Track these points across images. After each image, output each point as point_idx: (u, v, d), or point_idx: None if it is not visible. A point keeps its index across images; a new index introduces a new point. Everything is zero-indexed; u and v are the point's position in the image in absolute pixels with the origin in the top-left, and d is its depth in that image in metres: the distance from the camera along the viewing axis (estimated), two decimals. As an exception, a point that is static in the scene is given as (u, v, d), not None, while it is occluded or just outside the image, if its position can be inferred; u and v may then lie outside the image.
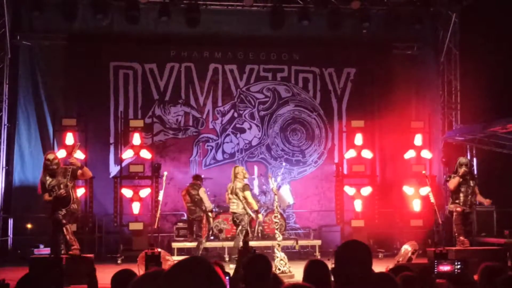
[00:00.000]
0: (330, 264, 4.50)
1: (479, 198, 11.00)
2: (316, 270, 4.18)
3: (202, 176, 12.94)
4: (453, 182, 10.71)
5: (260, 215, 11.02)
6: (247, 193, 10.94)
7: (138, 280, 2.41)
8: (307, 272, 4.19)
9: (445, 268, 5.92)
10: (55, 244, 9.60)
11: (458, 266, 5.93)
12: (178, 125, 14.61)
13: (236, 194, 10.93)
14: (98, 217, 13.30)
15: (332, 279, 3.35)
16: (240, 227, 10.99)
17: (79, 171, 9.74)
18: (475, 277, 4.89)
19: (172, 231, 13.34)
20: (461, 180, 10.71)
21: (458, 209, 10.65)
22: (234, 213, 11.07)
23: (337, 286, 3.21)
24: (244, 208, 10.93)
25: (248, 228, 11.09)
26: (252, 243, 10.83)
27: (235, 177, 11.05)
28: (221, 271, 2.13)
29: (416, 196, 13.60)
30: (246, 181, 11.19)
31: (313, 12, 14.16)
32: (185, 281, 2.05)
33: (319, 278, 4.00)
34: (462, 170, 10.69)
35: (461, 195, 10.71)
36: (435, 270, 5.87)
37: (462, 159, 11.03)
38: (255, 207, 10.98)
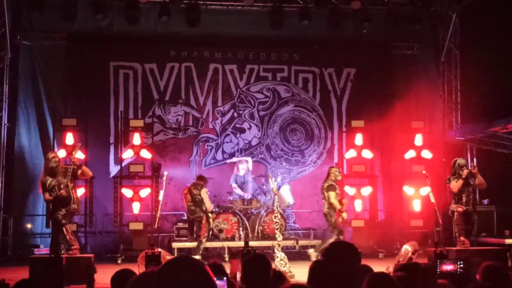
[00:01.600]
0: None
1: (478, 180, 10.88)
2: (321, 271, 4.17)
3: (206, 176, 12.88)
4: (457, 185, 10.65)
5: (344, 214, 11.28)
6: (331, 193, 11.30)
7: (135, 280, 2.41)
8: (312, 273, 4.18)
9: (448, 267, 5.91)
10: (55, 244, 9.60)
11: (461, 266, 5.91)
12: (178, 125, 14.61)
13: (324, 194, 11.40)
14: (98, 217, 13.29)
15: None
16: (329, 226, 11.44)
17: (79, 171, 9.74)
18: (477, 276, 4.89)
19: (172, 231, 13.33)
20: (464, 182, 10.68)
21: (460, 209, 10.62)
22: (324, 213, 11.48)
23: (325, 284, 3.25)
24: (328, 207, 11.33)
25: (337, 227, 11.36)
26: (252, 243, 10.84)
27: (327, 176, 11.31)
28: (210, 270, 2.14)
29: (416, 196, 13.60)
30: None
31: (313, 12, 14.17)
32: (175, 279, 2.06)
33: (324, 279, 3.99)
34: (465, 172, 10.65)
35: (463, 195, 10.69)
36: (438, 270, 5.86)
37: (461, 161, 10.98)
38: (338, 207, 11.16)
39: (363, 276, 3.50)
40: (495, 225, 13.25)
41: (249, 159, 13.99)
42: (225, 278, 4.01)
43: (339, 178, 11.69)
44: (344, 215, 11.48)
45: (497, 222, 13.30)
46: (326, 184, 11.43)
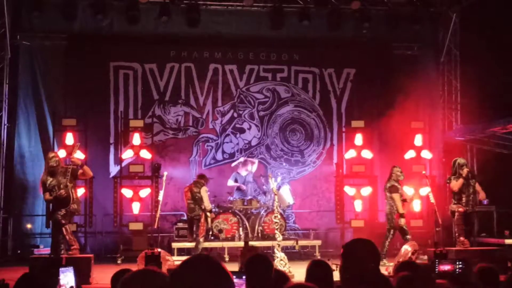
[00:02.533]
0: (331, 264, 4.52)
1: (480, 193, 10.89)
2: (318, 271, 4.18)
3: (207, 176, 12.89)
4: (457, 184, 10.65)
5: (402, 220, 11.21)
6: (395, 195, 11.25)
7: (128, 278, 2.39)
8: (309, 273, 4.19)
9: (446, 267, 5.91)
10: (55, 244, 9.60)
11: (460, 266, 5.92)
12: (178, 125, 14.61)
13: (386, 194, 11.38)
14: (98, 217, 13.29)
15: (338, 278, 3.34)
16: (388, 226, 11.40)
17: (80, 171, 9.74)
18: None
19: (172, 231, 13.33)
20: (464, 181, 10.67)
21: (460, 209, 10.62)
22: (386, 213, 11.49)
23: (344, 285, 3.20)
24: (390, 208, 11.32)
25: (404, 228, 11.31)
26: (252, 243, 10.84)
27: (389, 176, 11.31)
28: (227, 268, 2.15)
29: (416, 196, 13.58)
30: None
31: (313, 12, 14.17)
32: (193, 278, 2.06)
33: (321, 279, 4.00)
34: (465, 171, 10.64)
35: (463, 195, 10.69)
36: (436, 270, 5.86)
37: (461, 160, 10.98)
38: (401, 211, 11.14)
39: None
40: (495, 225, 13.24)
41: (256, 161, 13.98)
42: (243, 277, 4.04)
43: (402, 178, 11.48)
44: (402, 221, 11.26)
45: (497, 222, 13.29)
46: (388, 185, 11.34)
